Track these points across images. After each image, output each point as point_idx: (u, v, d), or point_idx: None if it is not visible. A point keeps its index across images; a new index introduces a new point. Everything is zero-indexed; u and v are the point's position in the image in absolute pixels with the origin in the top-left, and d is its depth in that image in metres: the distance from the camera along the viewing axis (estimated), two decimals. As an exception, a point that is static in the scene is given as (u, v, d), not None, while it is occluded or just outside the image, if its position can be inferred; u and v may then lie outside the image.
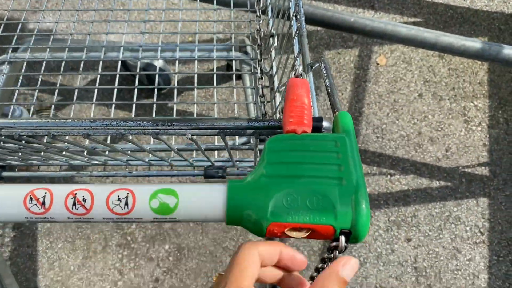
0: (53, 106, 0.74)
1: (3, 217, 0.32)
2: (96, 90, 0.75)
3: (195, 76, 0.73)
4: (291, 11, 0.52)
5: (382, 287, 1.15)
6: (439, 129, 1.33)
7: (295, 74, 0.39)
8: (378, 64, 1.42)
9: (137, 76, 0.71)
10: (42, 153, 0.63)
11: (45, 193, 0.32)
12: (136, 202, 0.32)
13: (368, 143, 1.31)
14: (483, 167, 1.28)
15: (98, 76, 0.76)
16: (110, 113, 0.75)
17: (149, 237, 1.22)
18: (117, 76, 0.74)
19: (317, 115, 0.42)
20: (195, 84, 0.71)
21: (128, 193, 0.32)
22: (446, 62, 1.42)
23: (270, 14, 0.74)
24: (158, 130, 0.40)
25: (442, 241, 1.19)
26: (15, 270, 1.19)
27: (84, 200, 0.32)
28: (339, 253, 0.33)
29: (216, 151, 0.68)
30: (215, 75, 0.74)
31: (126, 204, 0.32)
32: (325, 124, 0.39)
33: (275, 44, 0.71)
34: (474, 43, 1.03)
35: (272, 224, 0.31)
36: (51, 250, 1.21)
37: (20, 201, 0.32)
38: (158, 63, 1.17)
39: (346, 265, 0.31)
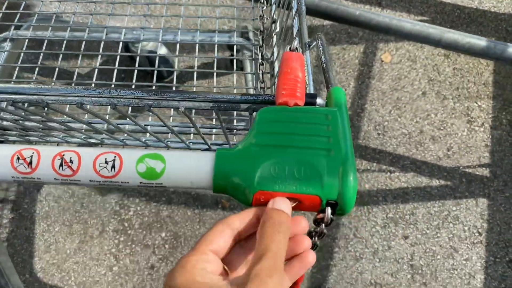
0: (52, 85, 0.74)
1: None
2: (96, 71, 0.75)
3: (196, 60, 0.73)
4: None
5: (377, 283, 1.15)
6: (442, 128, 1.32)
7: (290, 48, 0.39)
8: (382, 61, 1.41)
9: (138, 59, 0.71)
10: (39, 127, 0.63)
11: (33, 153, 0.32)
12: (123, 166, 0.32)
13: (369, 140, 1.31)
14: (484, 168, 1.27)
15: (99, 58, 0.76)
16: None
17: (146, 224, 1.22)
18: (118, 58, 0.74)
19: (312, 92, 0.42)
20: (195, 68, 0.71)
21: (115, 156, 0.32)
22: (451, 61, 1.41)
23: (273, 0, 0.74)
24: (151, 101, 0.40)
25: (439, 240, 1.18)
26: (11, 252, 1.19)
27: (71, 161, 0.32)
28: (325, 226, 0.33)
29: (213, 136, 0.68)
30: (215, 60, 0.73)
31: (113, 167, 0.32)
32: (319, 100, 0.39)
33: (277, 30, 0.71)
34: (479, 41, 1.03)
35: (258, 192, 0.31)
36: (48, 233, 1.22)
37: (7, 161, 0.32)
38: (162, 51, 1.17)
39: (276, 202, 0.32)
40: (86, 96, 0.40)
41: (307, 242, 0.34)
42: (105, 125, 0.61)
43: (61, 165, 0.31)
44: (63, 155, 0.32)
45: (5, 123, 0.58)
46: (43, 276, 1.18)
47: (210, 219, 1.21)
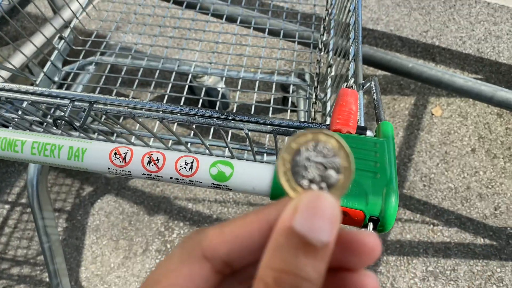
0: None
1: (92, 166, 0.39)
2: (166, 97, 0.83)
3: (254, 98, 0.79)
4: (351, 38, 0.58)
5: (412, 336, 1.12)
6: (490, 186, 1.30)
7: (346, 85, 0.44)
8: (433, 114, 1.44)
9: (201, 101, 0.79)
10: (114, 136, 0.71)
11: (127, 150, 0.39)
12: (199, 168, 0.37)
13: (414, 190, 1.31)
14: (533, 232, 1.23)
15: (169, 86, 0.85)
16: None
17: (188, 248, 1.27)
18: (186, 89, 0.82)
19: (363, 125, 0.47)
20: (254, 101, 0.78)
21: (193, 160, 0.38)
22: (504, 121, 1.41)
23: (331, 47, 0.81)
24: (221, 121, 0.46)
25: (481, 300, 1.15)
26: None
27: (157, 160, 0.38)
28: (367, 241, 0.37)
29: (266, 155, 0.73)
30: (272, 98, 0.80)
31: (191, 168, 0.38)
32: (369, 133, 0.43)
33: (332, 73, 0.77)
34: (533, 102, 1.04)
35: None
36: (96, 245, 1.29)
37: (106, 154, 0.39)
38: (220, 88, 1.27)
39: (301, 211, 0.17)
40: (167, 112, 0.47)
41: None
42: (170, 142, 0.68)
43: (149, 162, 0.38)
44: (151, 154, 0.38)
45: (91, 132, 0.67)
46: (87, 285, 1.24)
47: (249, 250, 1.25)
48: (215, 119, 0.45)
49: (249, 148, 0.72)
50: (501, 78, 1.49)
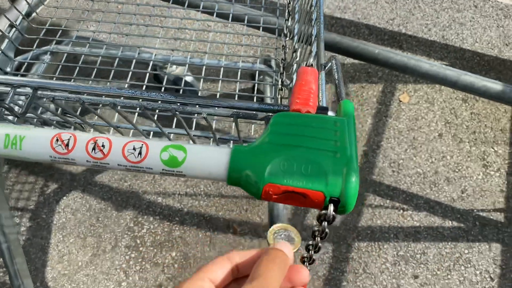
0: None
1: (32, 154, 0.36)
2: (126, 86, 0.80)
3: (219, 85, 0.77)
4: (313, 20, 0.56)
5: (384, 320, 1.13)
6: (457, 170, 1.33)
7: (306, 64, 0.42)
8: (400, 101, 1.45)
9: (165, 79, 0.76)
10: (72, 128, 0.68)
11: (70, 136, 0.36)
12: (148, 153, 0.35)
13: (383, 176, 1.32)
14: (498, 213, 1.26)
15: (129, 75, 0.82)
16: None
17: (158, 243, 1.24)
18: (146, 79, 0.79)
19: (325, 105, 0.45)
20: (219, 89, 0.76)
21: (142, 144, 0.36)
22: (469, 106, 1.43)
23: (296, 31, 0.79)
24: (177, 106, 0.44)
25: (449, 282, 1.17)
26: (26, 260, 1.22)
27: (103, 146, 0.35)
28: (328, 223, 0.35)
29: (232, 142, 0.71)
30: (237, 84, 0.78)
31: (140, 153, 0.35)
32: (330, 113, 0.42)
33: (297, 59, 0.75)
34: (495, 85, 1.05)
35: (268, 184, 0.34)
36: (62, 244, 1.25)
37: (47, 142, 0.36)
38: (188, 77, 1.24)
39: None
40: (119, 96, 0.44)
41: None
42: (131, 132, 0.65)
43: (93, 148, 0.35)
44: (96, 140, 0.36)
45: (41, 121, 0.63)
46: (53, 285, 1.20)
47: (221, 242, 1.23)
48: (169, 103, 0.43)
49: (234, 136, 0.70)
50: (465, 64, 1.52)
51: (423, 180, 1.31)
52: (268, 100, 0.87)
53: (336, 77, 0.44)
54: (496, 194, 1.29)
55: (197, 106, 0.44)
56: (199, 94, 1.38)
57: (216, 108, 0.44)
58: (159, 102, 0.45)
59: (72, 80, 0.76)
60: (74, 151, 0.35)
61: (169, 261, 1.21)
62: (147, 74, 0.80)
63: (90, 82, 0.74)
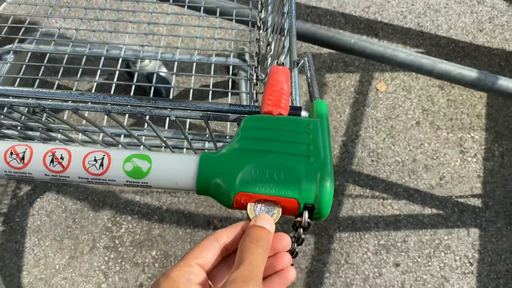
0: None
1: None
2: (95, 85, 0.77)
3: (193, 80, 0.75)
4: (285, 13, 0.54)
5: (367, 310, 1.13)
6: (435, 157, 1.33)
7: (277, 62, 0.40)
8: (378, 90, 1.44)
9: (136, 76, 0.74)
10: (38, 134, 0.65)
11: (25, 149, 0.33)
12: (111, 164, 0.33)
13: (362, 166, 1.32)
14: (476, 198, 1.28)
15: (98, 73, 0.78)
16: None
17: (137, 242, 1.22)
18: (116, 75, 0.76)
19: (298, 105, 0.44)
20: (192, 85, 0.73)
21: (104, 155, 0.33)
22: (445, 93, 1.44)
23: (269, 23, 0.77)
24: (143, 109, 0.42)
25: (430, 269, 1.18)
26: (0, 265, 1.19)
27: (62, 158, 0.33)
28: (303, 230, 0.34)
29: (206, 143, 0.70)
30: (211, 80, 0.76)
31: (101, 165, 0.33)
32: (304, 113, 0.41)
33: (271, 52, 0.74)
34: (471, 72, 1.06)
35: (239, 193, 0.32)
36: (38, 248, 1.21)
37: (1, 155, 0.33)
38: (161, 73, 1.20)
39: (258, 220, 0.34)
40: (81, 101, 0.42)
41: (288, 259, 0.35)
42: (101, 135, 0.62)
43: (52, 161, 0.33)
44: (54, 152, 0.33)
45: (4, 129, 0.60)
46: (30, 291, 1.17)
47: (202, 239, 1.21)
48: (134, 106, 0.41)
49: (208, 137, 0.68)
50: (441, 50, 1.52)
51: (402, 169, 1.32)
52: (244, 96, 0.85)
53: (308, 75, 0.42)
54: (473, 180, 1.30)
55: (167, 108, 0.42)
56: (172, 90, 1.35)
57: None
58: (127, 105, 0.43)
59: (37, 80, 0.72)
60: (31, 164, 0.33)
61: (149, 261, 1.19)
62: (118, 71, 0.77)
63: (57, 82, 0.71)
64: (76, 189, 1.29)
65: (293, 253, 0.37)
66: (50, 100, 0.41)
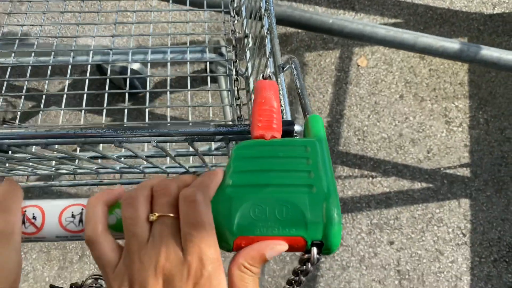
0: (18, 115, 0.71)
1: None
2: (64, 96, 0.72)
3: (168, 79, 0.70)
4: (262, 11, 0.50)
5: (366, 291, 1.14)
6: (421, 130, 1.32)
7: (263, 76, 0.37)
8: (359, 65, 1.41)
9: (108, 81, 0.68)
10: (7, 164, 0.60)
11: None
12: (90, 218, 0.29)
13: (349, 146, 1.30)
14: (464, 168, 1.28)
15: (67, 82, 0.73)
16: (81, 120, 0.72)
17: (128, 246, 1.18)
18: (87, 81, 0.71)
19: (289, 118, 0.40)
20: (168, 87, 0.69)
21: (82, 209, 0.30)
22: (427, 63, 1.42)
23: (244, 14, 0.72)
24: (121, 138, 0.38)
25: (424, 244, 1.18)
26: (-13, 283, 1.14)
27: (34, 218, 0.29)
28: (311, 265, 0.31)
29: (191, 157, 0.66)
30: (188, 78, 0.71)
31: (81, 220, 0.29)
32: (297, 127, 0.37)
33: (250, 44, 0.69)
34: (453, 44, 1.03)
35: (239, 238, 0.29)
36: (25, 261, 1.17)
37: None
38: (135, 66, 1.14)
39: (273, 250, 0.30)
40: (50, 137, 0.37)
41: None
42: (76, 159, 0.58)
43: (23, 222, 0.29)
44: (25, 211, 0.29)
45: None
46: (21, 306, 1.13)
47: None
48: (110, 137, 0.37)
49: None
50: (419, 19, 1.49)
51: (389, 145, 1.30)
52: (224, 93, 0.80)
53: (298, 85, 0.38)
54: (460, 150, 1.30)
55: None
56: (147, 83, 1.29)
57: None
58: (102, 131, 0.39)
59: (4, 84, 0.66)
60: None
61: (142, 263, 1.16)
62: (90, 70, 0.71)
63: (22, 100, 0.65)
64: (58, 197, 1.24)
65: (300, 284, 0.35)
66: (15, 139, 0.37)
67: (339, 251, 1.18)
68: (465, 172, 1.27)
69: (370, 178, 1.27)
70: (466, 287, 1.14)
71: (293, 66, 0.40)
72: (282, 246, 0.30)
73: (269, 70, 0.36)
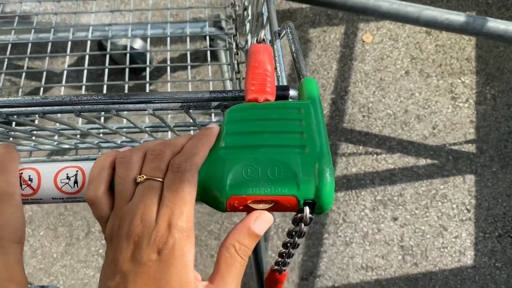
0: (20, 90, 0.71)
1: None
2: (65, 73, 0.72)
3: (168, 54, 0.70)
4: (260, -22, 0.49)
5: (369, 266, 1.14)
6: (426, 106, 1.31)
7: (257, 39, 0.36)
8: (364, 41, 1.39)
9: (108, 58, 0.68)
10: (10, 138, 0.60)
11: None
12: (86, 179, 0.30)
13: (354, 122, 1.29)
14: (470, 144, 1.27)
15: (67, 58, 0.73)
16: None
17: (133, 223, 1.20)
18: (87, 57, 0.71)
19: (285, 83, 0.40)
20: (168, 62, 0.68)
21: (77, 171, 0.30)
22: (433, 38, 1.40)
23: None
24: (116, 105, 0.38)
25: (428, 219, 1.19)
26: (-3, 259, 1.17)
27: (30, 179, 0.30)
28: (304, 225, 0.31)
29: (191, 131, 0.66)
30: (188, 53, 0.71)
31: (76, 182, 0.30)
32: (292, 92, 0.37)
33: (249, 17, 0.68)
34: (458, 17, 1.01)
35: (232, 197, 0.29)
36: (33, 238, 1.19)
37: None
38: (136, 44, 1.14)
39: (258, 220, 0.30)
40: (46, 105, 0.37)
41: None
42: (77, 131, 0.58)
43: (20, 184, 0.29)
44: (22, 173, 0.30)
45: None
46: (31, 281, 1.16)
47: (197, 213, 1.20)
48: (106, 104, 0.37)
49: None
50: (425, -6, 1.46)
51: (394, 121, 1.30)
52: (225, 67, 0.80)
53: (293, 49, 0.38)
54: (466, 126, 1.28)
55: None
56: (148, 58, 1.28)
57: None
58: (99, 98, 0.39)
59: (6, 61, 0.67)
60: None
61: (147, 240, 1.18)
62: (92, 49, 0.71)
63: (23, 77, 0.65)
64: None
65: (294, 246, 0.35)
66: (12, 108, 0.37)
67: (343, 227, 1.18)
68: (471, 148, 1.26)
69: (375, 155, 1.26)
70: (469, 262, 1.14)
71: (288, 31, 0.39)
72: (266, 215, 0.30)
73: (263, 34, 0.36)
